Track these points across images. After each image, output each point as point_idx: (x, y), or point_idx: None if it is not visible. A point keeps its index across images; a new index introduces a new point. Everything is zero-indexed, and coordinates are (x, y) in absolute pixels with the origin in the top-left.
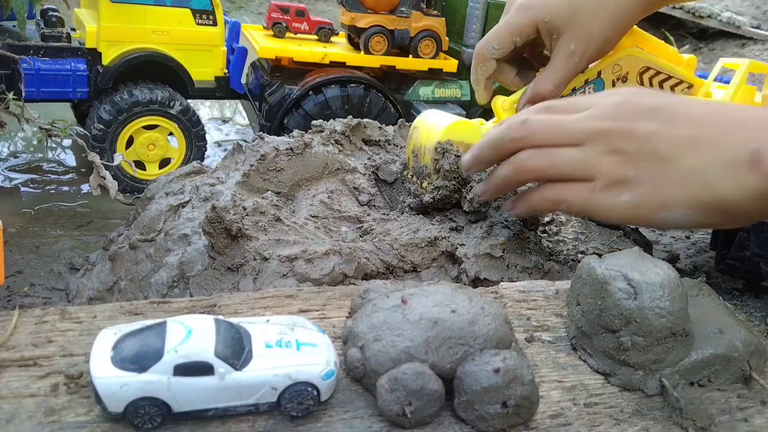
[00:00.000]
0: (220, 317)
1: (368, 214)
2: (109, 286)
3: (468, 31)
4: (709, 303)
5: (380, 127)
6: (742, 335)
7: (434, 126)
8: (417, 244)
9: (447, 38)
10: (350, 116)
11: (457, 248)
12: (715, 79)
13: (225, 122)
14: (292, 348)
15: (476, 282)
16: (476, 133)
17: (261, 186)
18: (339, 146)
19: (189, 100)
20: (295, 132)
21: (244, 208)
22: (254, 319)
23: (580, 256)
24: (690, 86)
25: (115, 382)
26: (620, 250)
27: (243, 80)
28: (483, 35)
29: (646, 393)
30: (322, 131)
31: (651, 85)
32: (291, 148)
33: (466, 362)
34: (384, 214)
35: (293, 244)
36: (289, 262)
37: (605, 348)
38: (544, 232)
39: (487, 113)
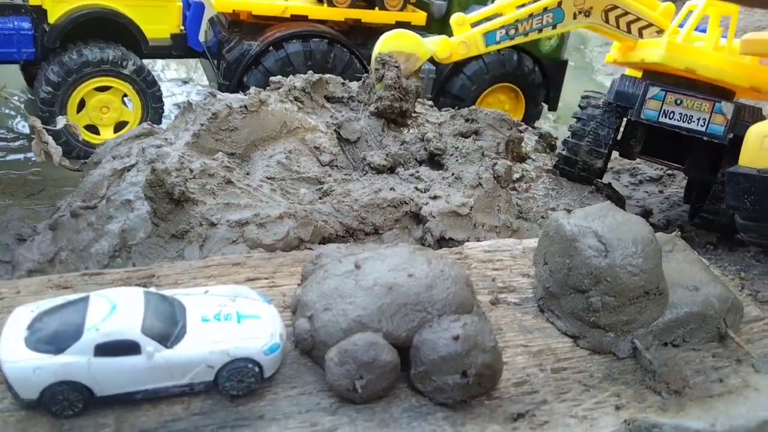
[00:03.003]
0: (153, 289)
1: (329, 175)
2: (50, 257)
3: None
4: (684, 258)
5: (343, 83)
6: (718, 291)
7: (380, 38)
8: (378, 204)
9: None
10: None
11: (421, 207)
12: (679, 26)
13: (186, 83)
14: (232, 321)
15: (441, 242)
16: (416, 43)
17: (213, 147)
18: (299, 104)
19: (144, 60)
20: (252, 89)
21: (191, 170)
22: (192, 290)
23: (550, 212)
24: (660, 31)
25: (27, 366)
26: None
27: (201, 37)
28: None
29: (618, 356)
30: (281, 88)
31: (618, 24)
32: (245, 106)
33: (424, 330)
34: (347, 174)
35: (244, 208)
36: (239, 227)
37: (574, 309)
38: (514, 189)
39: (456, 68)
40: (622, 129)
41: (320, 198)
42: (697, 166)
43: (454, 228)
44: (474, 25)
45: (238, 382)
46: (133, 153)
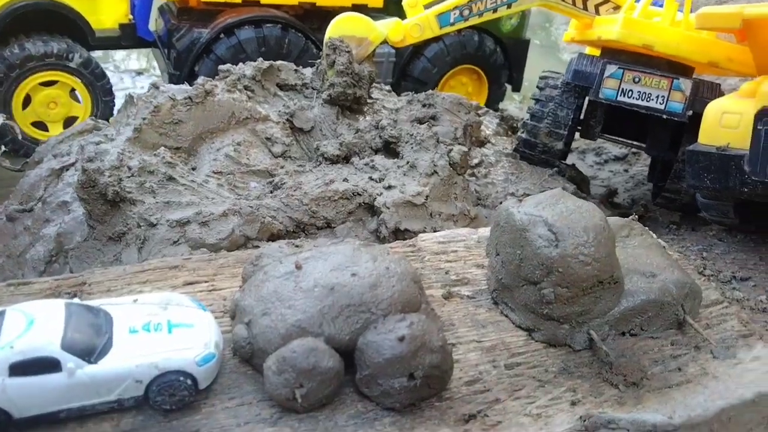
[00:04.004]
0: (77, 300)
1: (281, 167)
2: None
3: None
4: (641, 243)
5: (296, 70)
6: (675, 277)
7: (331, 22)
8: (330, 197)
9: None
10: (267, 59)
11: (375, 198)
12: (636, 1)
13: (140, 73)
14: (162, 331)
15: (397, 233)
16: (368, 27)
17: (156, 141)
18: (249, 92)
19: (92, 52)
20: (199, 79)
21: (129, 168)
22: (120, 299)
23: (509, 198)
24: (617, 7)
25: None
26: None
27: (151, 26)
28: None
29: (573, 348)
30: (230, 77)
31: (573, 2)
32: (190, 97)
33: (368, 331)
34: (300, 165)
35: (186, 206)
36: (180, 227)
37: (527, 301)
38: (473, 175)
39: (415, 52)
40: (583, 109)
41: (271, 192)
42: (657, 145)
43: (409, 219)
44: (427, 6)
45: (170, 396)
46: (74, 151)
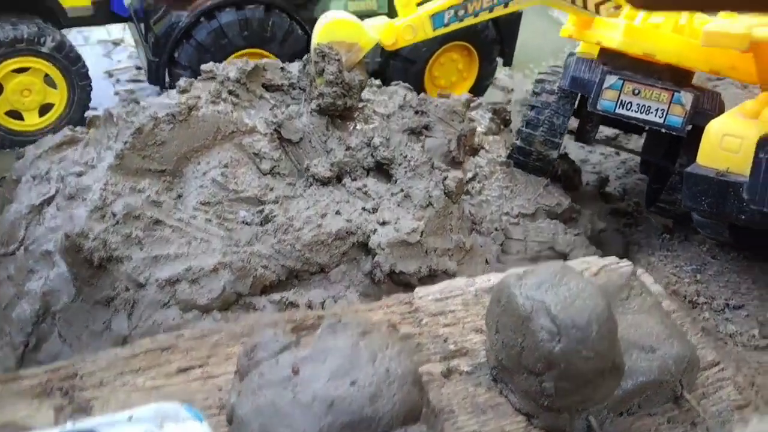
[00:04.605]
0: (68, 426)
1: (270, 189)
2: None
3: None
4: (641, 306)
5: (282, 68)
6: (675, 351)
7: (318, 25)
8: (323, 241)
9: None
10: (251, 43)
11: (369, 236)
12: None
13: (116, 45)
14: None
15: (392, 275)
16: (358, 31)
17: (140, 166)
18: (233, 98)
19: (65, 30)
20: (181, 81)
21: (114, 215)
22: (115, 417)
23: (504, 219)
24: (617, 6)
25: None
26: (548, 209)
27: (126, 1)
28: None
29: None
30: (215, 78)
31: (573, 0)
32: (172, 115)
33: None
34: (289, 183)
35: (175, 260)
36: (169, 286)
37: (527, 389)
38: (467, 192)
39: None
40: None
41: (261, 224)
42: (653, 150)
43: (404, 259)
44: (421, 4)
45: None
46: (53, 177)
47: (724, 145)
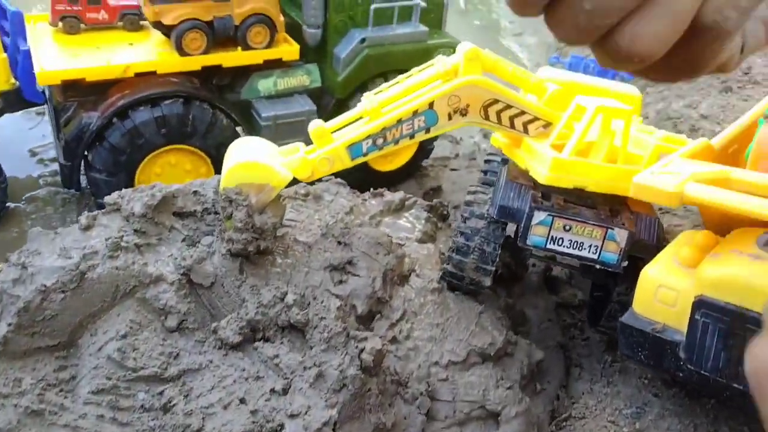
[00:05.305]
0: None
1: (175, 356)
2: None
3: (307, 8)
4: None
5: (195, 192)
6: None
7: (225, 166)
8: None
9: (282, 18)
10: (170, 141)
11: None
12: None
13: (40, 115)
14: None
15: None
16: (268, 172)
17: (29, 346)
18: (138, 238)
19: None
20: (83, 218)
21: None
22: None
23: (432, 372)
24: (547, 124)
25: None
26: (480, 351)
27: (39, 87)
28: (325, 12)
29: None
30: (119, 210)
31: (499, 120)
32: (63, 283)
33: None
34: (198, 341)
35: None
36: None
37: None
38: (393, 340)
39: (341, 104)
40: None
41: (162, 409)
42: (592, 272)
43: None
44: (337, 131)
45: None
46: None
47: (660, 297)
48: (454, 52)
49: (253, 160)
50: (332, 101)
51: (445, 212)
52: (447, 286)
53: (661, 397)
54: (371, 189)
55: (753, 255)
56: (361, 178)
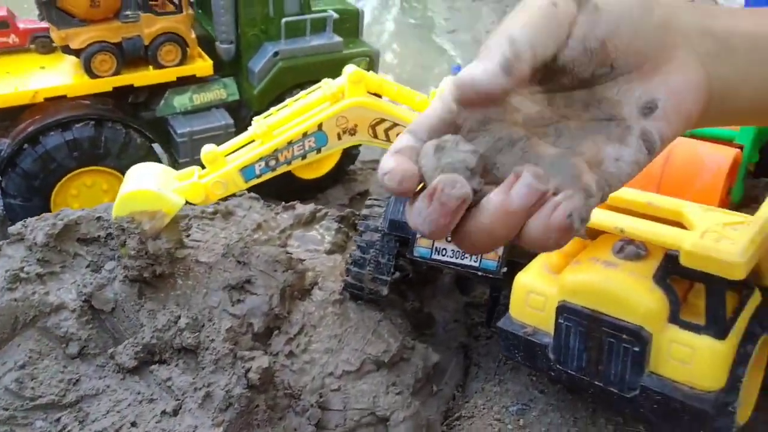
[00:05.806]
0: None
1: (75, 383)
2: None
3: (218, 24)
4: None
5: (99, 217)
6: None
7: (118, 194)
8: None
9: (194, 36)
10: (83, 163)
11: None
12: None
13: None
14: None
15: None
16: (157, 199)
17: None
18: (41, 267)
19: None
20: None
21: None
22: None
23: (326, 383)
24: None
25: None
26: (374, 359)
27: None
28: (237, 27)
29: None
30: (22, 239)
31: (387, 138)
32: None
33: None
34: (99, 366)
35: None
36: None
37: None
38: (291, 354)
39: (258, 114)
40: None
41: None
42: (479, 279)
43: None
44: (230, 154)
45: None
46: None
47: (530, 303)
48: (371, 60)
49: (143, 188)
50: (250, 114)
51: (355, 222)
52: (349, 296)
53: (546, 393)
54: (297, 198)
55: (607, 262)
56: (287, 186)
